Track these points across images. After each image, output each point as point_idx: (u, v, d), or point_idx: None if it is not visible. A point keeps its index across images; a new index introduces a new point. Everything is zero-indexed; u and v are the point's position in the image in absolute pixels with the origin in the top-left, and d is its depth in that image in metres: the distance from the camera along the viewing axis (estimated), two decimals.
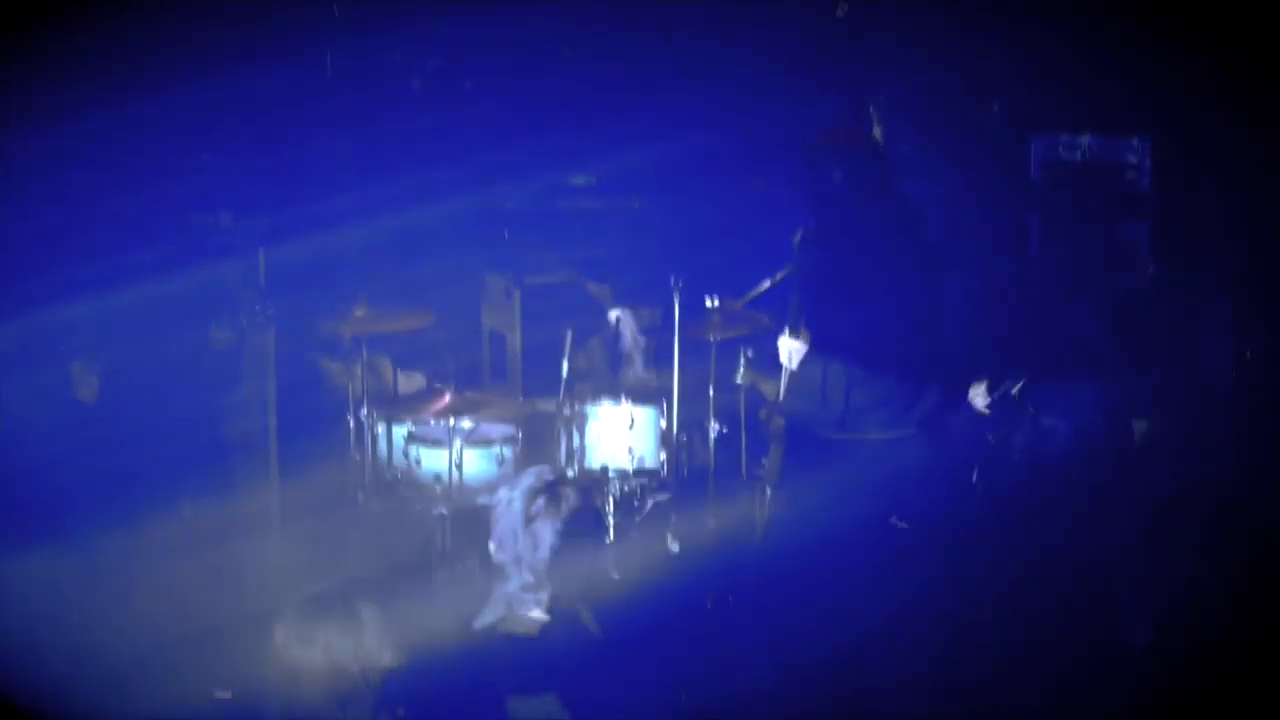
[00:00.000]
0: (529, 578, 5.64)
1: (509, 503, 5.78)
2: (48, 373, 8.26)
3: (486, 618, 5.96)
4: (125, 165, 8.30)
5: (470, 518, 7.93)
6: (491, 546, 5.86)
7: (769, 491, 8.13)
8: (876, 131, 8.65)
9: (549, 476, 5.95)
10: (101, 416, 8.32)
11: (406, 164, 9.20)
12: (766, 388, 8.03)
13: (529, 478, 5.85)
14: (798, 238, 7.00)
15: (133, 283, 8.28)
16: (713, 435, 8.51)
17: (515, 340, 9.61)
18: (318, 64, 8.79)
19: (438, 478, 8.21)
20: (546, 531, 5.73)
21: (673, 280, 8.11)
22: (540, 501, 5.74)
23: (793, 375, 7.08)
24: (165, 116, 8.28)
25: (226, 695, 7.00)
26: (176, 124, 8.38)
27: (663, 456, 8.48)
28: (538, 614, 5.83)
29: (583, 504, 5.93)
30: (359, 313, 8.43)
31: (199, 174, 8.64)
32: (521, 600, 5.76)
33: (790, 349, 6.98)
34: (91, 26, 7.73)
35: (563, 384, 8.39)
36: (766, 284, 7.86)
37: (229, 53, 8.39)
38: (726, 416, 8.62)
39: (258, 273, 8.61)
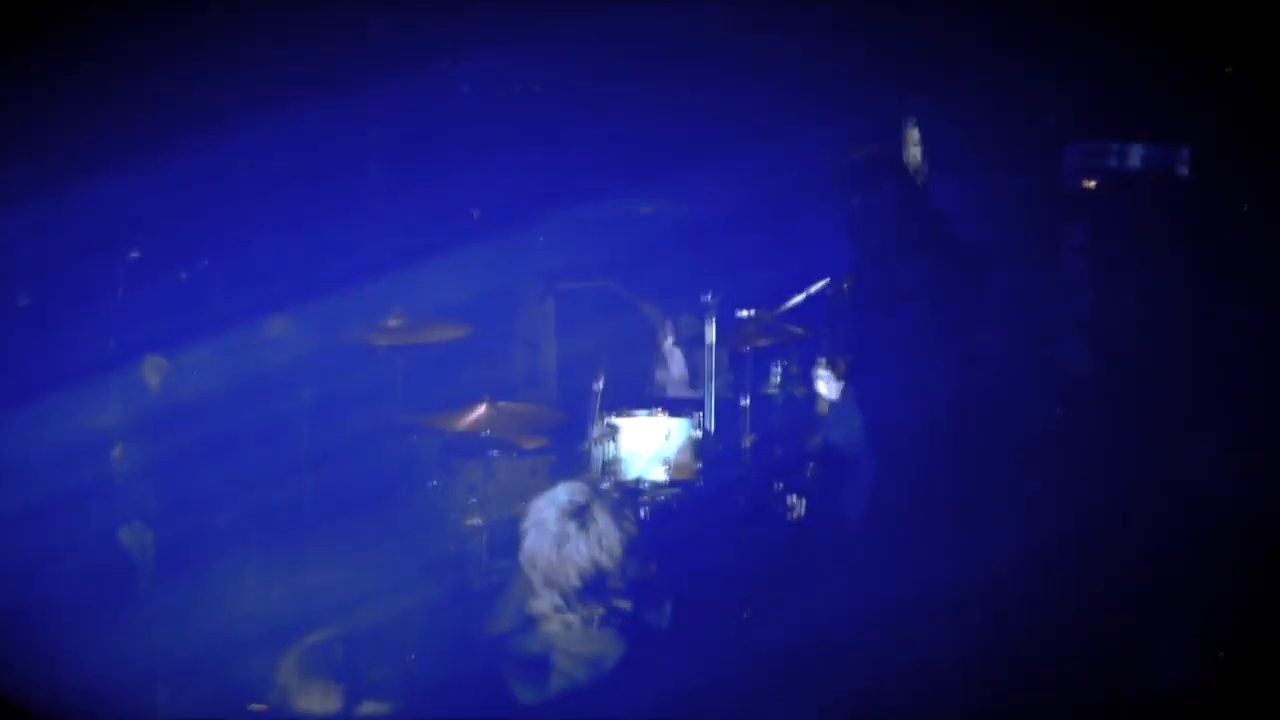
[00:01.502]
0: (559, 601, 5.60)
1: (541, 523, 5.75)
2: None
3: (512, 628, 5.96)
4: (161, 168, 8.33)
5: (506, 529, 7.96)
6: (523, 559, 5.84)
7: (803, 503, 8.17)
8: (913, 150, 8.63)
9: (580, 498, 5.92)
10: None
11: (439, 173, 9.19)
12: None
13: (562, 496, 5.81)
14: (847, 286, 7.01)
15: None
16: (746, 446, 8.52)
17: (550, 348, 9.63)
18: (352, 69, 8.77)
19: (472, 489, 8.23)
20: (578, 554, 5.69)
21: (708, 296, 8.12)
22: (572, 526, 5.70)
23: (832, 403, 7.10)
24: (196, 120, 8.31)
25: (263, 709, 7.03)
26: (215, 129, 8.40)
27: (698, 466, 8.47)
28: (571, 629, 5.81)
29: (613, 525, 5.88)
30: (393, 323, 8.43)
31: (237, 178, 8.65)
32: (550, 619, 5.74)
33: (828, 379, 6.99)
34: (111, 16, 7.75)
35: (597, 396, 8.39)
36: (800, 298, 7.86)
37: (271, 64, 8.41)
38: (760, 427, 8.64)
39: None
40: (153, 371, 8.28)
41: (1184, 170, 8.56)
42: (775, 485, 8.70)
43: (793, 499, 8.47)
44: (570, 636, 5.60)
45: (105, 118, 7.83)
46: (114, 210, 8.08)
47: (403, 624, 7.85)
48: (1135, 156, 8.67)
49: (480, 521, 8.13)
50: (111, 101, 7.82)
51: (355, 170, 8.92)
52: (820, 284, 7.62)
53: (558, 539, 5.70)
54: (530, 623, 5.77)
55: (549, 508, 5.80)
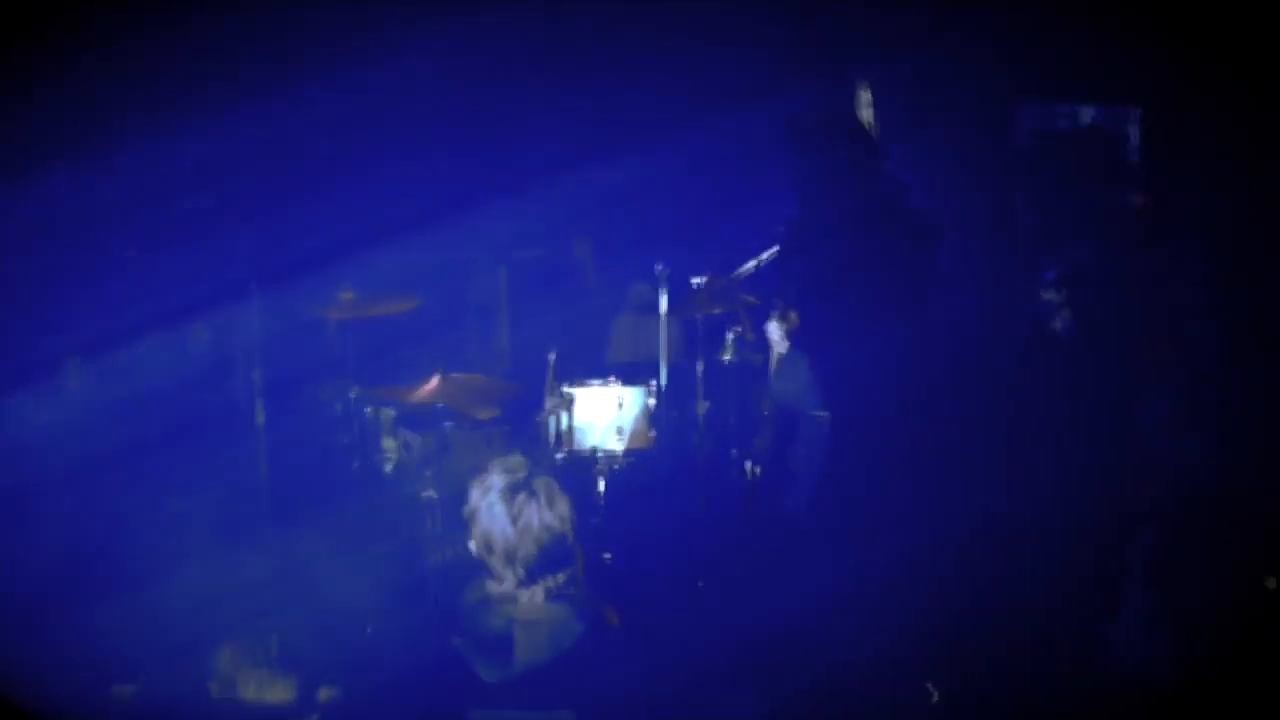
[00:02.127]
0: (521, 573, 5.59)
1: (488, 505, 5.73)
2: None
3: (481, 613, 5.94)
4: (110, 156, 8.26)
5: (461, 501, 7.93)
6: (472, 546, 5.81)
7: (757, 469, 8.17)
8: (864, 112, 8.62)
9: (520, 471, 5.91)
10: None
11: (390, 150, 9.16)
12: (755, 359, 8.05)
13: (499, 476, 5.80)
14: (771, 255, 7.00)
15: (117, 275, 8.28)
16: (700, 413, 8.52)
17: (503, 318, 9.61)
18: (306, 55, 8.71)
19: (427, 460, 8.20)
20: (533, 524, 5.68)
21: (658, 267, 8.09)
22: (521, 496, 5.69)
23: (781, 357, 7.08)
24: (149, 105, 8.24)
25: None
26: (161, 112, 8.34)
27: (652, 434, 8.46)
28: (533, 603, 5.79)
29: (562, 491, 5.88)
30: (346, 296, 8.39)
31: (183, 160, 8.58)
32: (515, 596, 5.73)
33: (778, 331, 6.96)
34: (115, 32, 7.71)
35: (550, 366, 8.37)
36: (752, 265, 7.84)
37: (220, 49, 8.35)
38: (714, 394, 8.63)
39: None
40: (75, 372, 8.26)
41: (1133, 131, 8.59)
42: (731, 452, 8.72)
43: (748, 465, 8.49)
44: (531, 611, 5.60)
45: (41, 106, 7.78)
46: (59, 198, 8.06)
47: (358, 600, 7.85)
48: (1085, 117, 8.70)
49: (435, 494, 8.09)
50: (47, 88, 7.76)
51: (303, 148, 8.84)
52: (771, 252, 7.60)
53: (510, 515, 5.69)
54: (490, 604, 5.77)
55: (490, 490, 5.79)
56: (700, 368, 8.58)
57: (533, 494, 5.73)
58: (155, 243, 8.48)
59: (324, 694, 6.80)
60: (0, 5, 7.33)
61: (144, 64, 8.11)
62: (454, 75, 9.26)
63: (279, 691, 6.31)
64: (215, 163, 8.53)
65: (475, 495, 6.00)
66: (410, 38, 8.98)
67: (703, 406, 8.57)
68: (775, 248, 7.35)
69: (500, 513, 5.55)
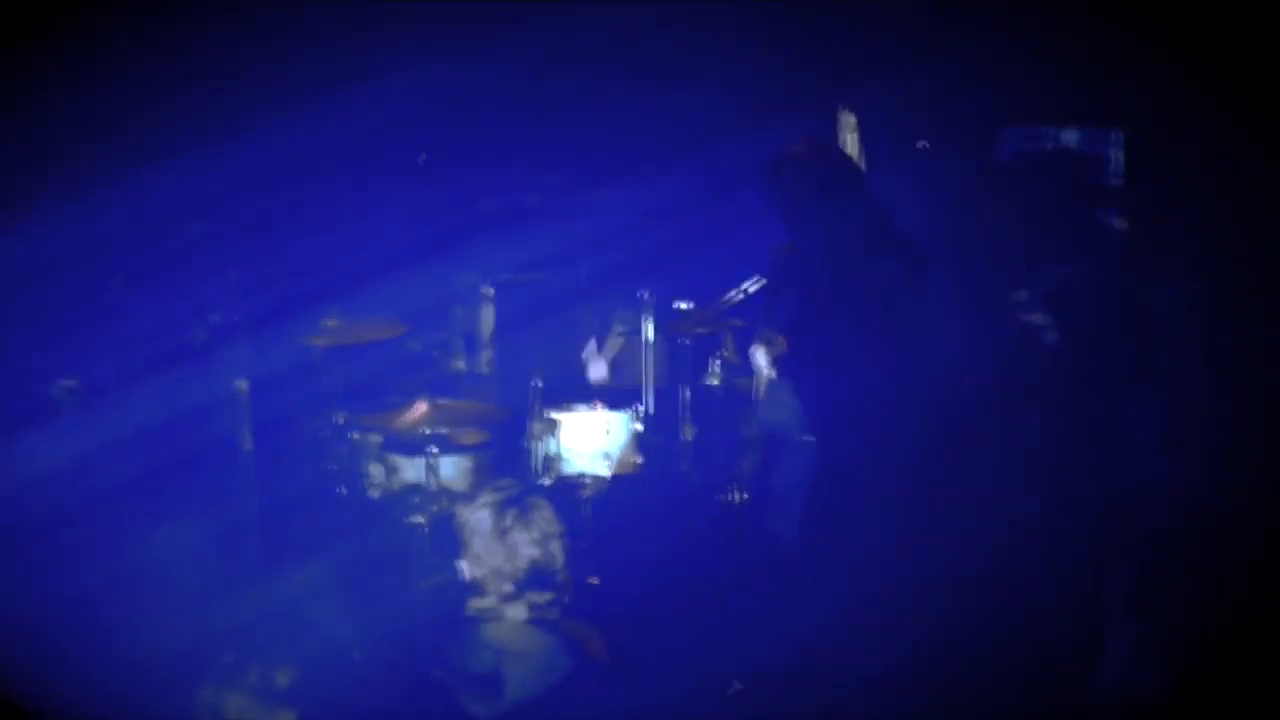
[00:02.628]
0: (508, 589, 5.63)
1: (479, 520, 5.78)
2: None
3: (469, 630, 5.98)
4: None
5: (448, 526, 7.94)
6: (463, 564, 5.85)
7: (744, 494, 8.17)
8: (849, 137, 8.64)
9: (514, 490, 5.96)
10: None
11: (375, 176, 9.18)
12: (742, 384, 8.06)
13: (488, 497, 5.85)
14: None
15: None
16: (687, 438, 8.54)
17: (489, 344, 9.61)
18: (289, 78, 8.72)
19: (415, 486, 8.20)
20: (521, 542, 5.73)
21: (643, 294, 8.11)
22: (513, 513, 5.74)
23: (769, 383, 7.09)
24: (139, 115, 8.25)
25: None
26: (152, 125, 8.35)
27: (639, 460, 8.47)
28: (518, 619, 5.83)
29: (552, 511, 5.92)
30: (331, 323, 8.41)
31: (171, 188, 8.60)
32: (501, 612, 5.77)
33: (764, 357, 6.96)
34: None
35: (536, 392, 8.38)
36: (736, 295, 7.85)
37: (205, 74, 8.37)
38: (700, 419, 8.65)
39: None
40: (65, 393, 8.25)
41: (1117, 152, 8.60)
42: (717, 477, 8.72)
43: (734, 490, 8.49)
44: (518, 640, 5.63)
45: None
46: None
47: (347, 623, 7.85)
48: (1069, 139, 8.71)
49: (422, 520, 8.09)
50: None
51: (290, 173, 8.84)
52: (755, 281, 7.62)
53: (500, 533, 5.74)
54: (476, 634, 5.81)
55: (480, 509, 5.86)
56: (686, 393, 8.60)
57: (522, 512, 5.80)
58: (142, 269, 8.47)
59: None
60: None
61: (124, 92, 8.10)
62: (439, 103, 9.28)
63: None
64: (203, 190, 8.54)
65: (464, 512, 6.06)
66: (395, 63, 9.00)
67: (689, 431, 8.58)
68: (759, 278, 7.37)
69: (488, 529, 5.61)
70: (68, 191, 8.05)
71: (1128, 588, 6.93)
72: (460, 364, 9.52)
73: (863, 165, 8.62)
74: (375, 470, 8.46)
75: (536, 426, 8.37)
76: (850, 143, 8.85)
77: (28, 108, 7.68)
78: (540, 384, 8.41)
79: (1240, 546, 6.81)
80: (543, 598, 5.66)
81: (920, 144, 8.41)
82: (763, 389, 7.29)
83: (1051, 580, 6.89)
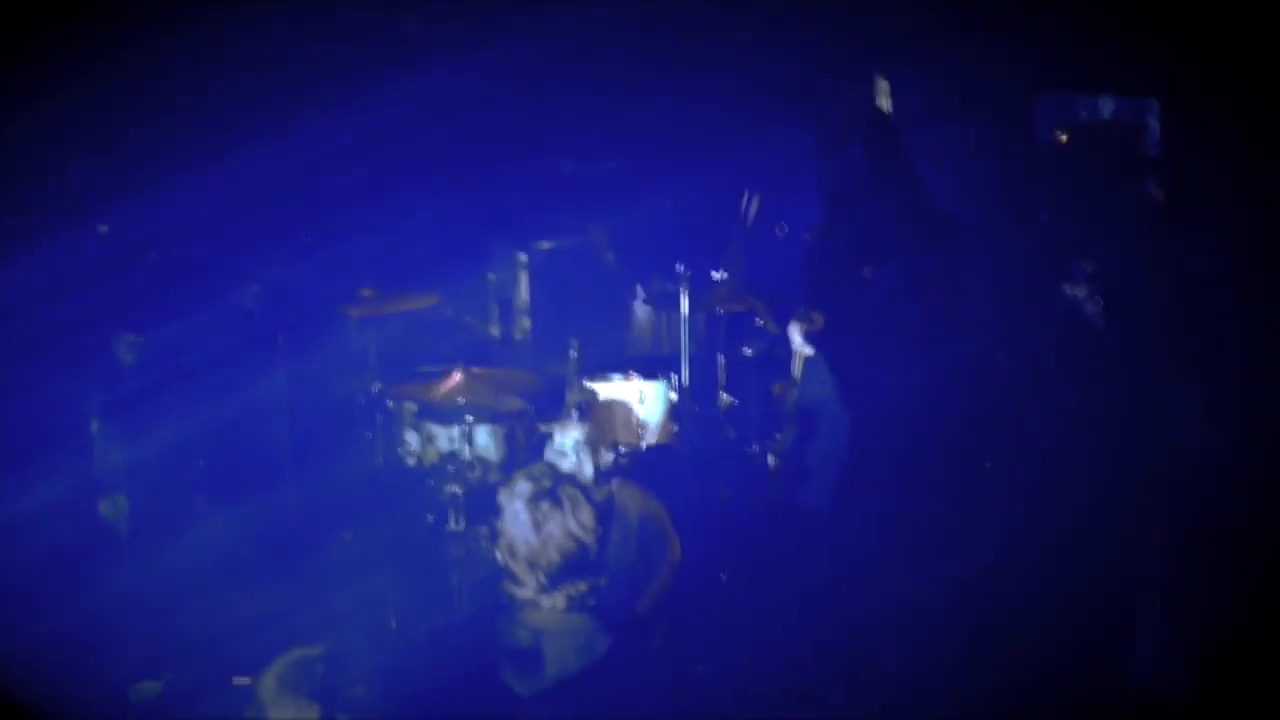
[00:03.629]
0: (544, 580, 5.64)
1: (513, 512, 5.78)
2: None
3: (507, 625, 5.99)
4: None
5: (484, 496, 7.97)
6: (499, 555, 5.86)
7: (778, 463, 8.19)
8: (885, 103, 8.61)
9: (545, 481, 5.95)
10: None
11: (412, 146, 9.18)
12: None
13: (524, 483, 5.85)
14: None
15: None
16: (723, 407, 8.54)
17: (524, 310, 9.62)
18: (325, 54, 8.72)
19: (451, 455, 8.23)
20: (557, 534, 5.73)
21: (680, 268, 8.10)
22: (547, 504, 5.73)
23: (807, 358, 7.09)
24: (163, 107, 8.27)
25: (245, 681, 7.06)
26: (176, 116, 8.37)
27: (675, 429, 8.48)
28: (555, 609, 5.83)
29: (587, 500, 5.91)
30: (367, 293, 8.43)
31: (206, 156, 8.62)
32: (537, 602, 5.77)
33: (802, 334, 6.97)
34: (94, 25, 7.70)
35: (572, 360, 8.38)
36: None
37: (235, 48, 8.37)
38: (736, 388, 8.66)
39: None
40: (126, 350, 8.26)
41: (1153, 122, 8.57)
42: (752, 447, 8.73)
43: (771, 459, 8.50)
44: (556, 622, 5.63)
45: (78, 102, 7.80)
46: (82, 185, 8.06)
47: (382, 594, 7.91)
48: (1105, 109, 8.68)
49: (459, 489, 8.12)
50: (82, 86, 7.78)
51: (326, 144, 8.85)
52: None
53: (535, 522, 5.74)
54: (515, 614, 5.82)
55: (516, 497, 5.85)
56: (722, 361, 8.61)
57: (557, 502, 5.78)
58: (180, 232, 8.49)
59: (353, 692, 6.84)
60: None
61: (156, 57, 8.11)
62: (478, 75, 9.27)
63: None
64: (238, 161, 8.55)
65: (502, 500, 6.06)
66: (432, 39, 9.01)
67: (725, 401, 8.59)
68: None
69: (525, 520, 5.61)
70: (100, 167, 8.06)
71: (1160, 584, 6.95)
72: (495, 331, 9.53)
73: (899, 135, 8.62)
74: (411, 439, 8.49)
75: (572, 395, 8.38)
76: (886, 106, 8.83)
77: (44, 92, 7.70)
78: (576, 352, 8.42)
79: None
80: (578, 582, 5.65)
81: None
82: (800, 364, 7.29)
83: (1081, 569, 6.90)
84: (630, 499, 6.97)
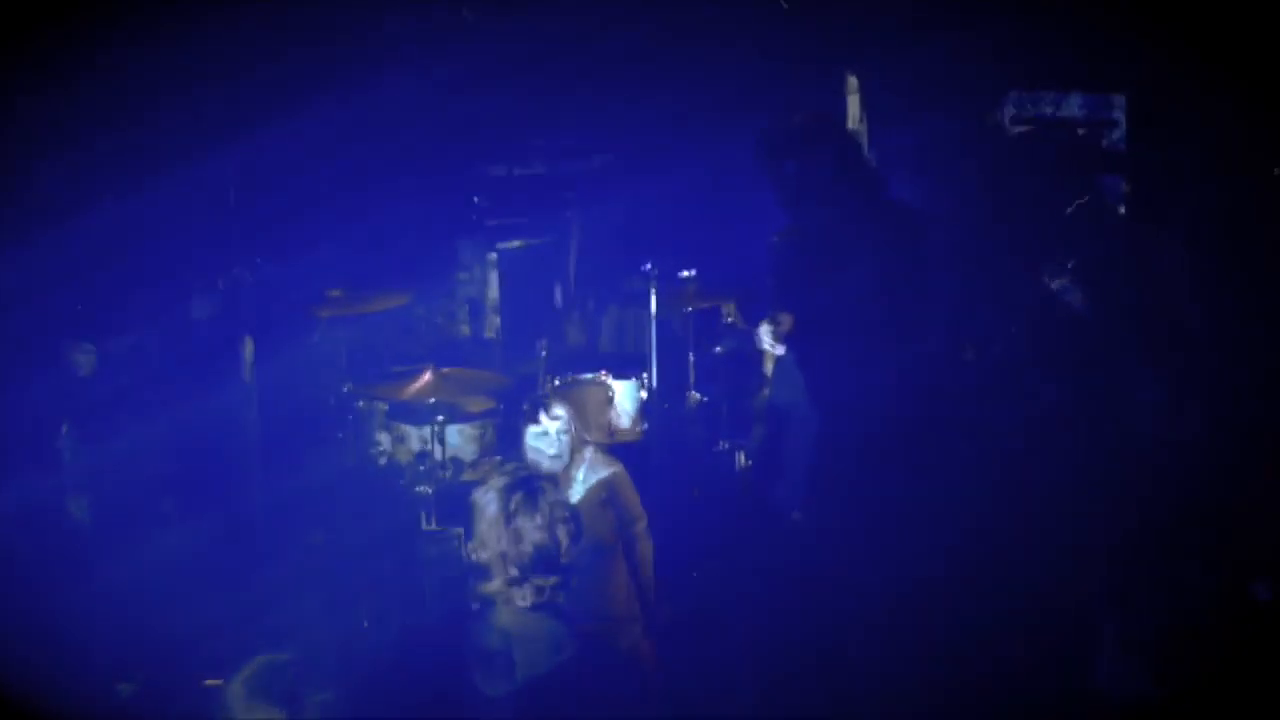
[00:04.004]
0: (514, 572, 5.67)
1: (486, 504, 5.81)
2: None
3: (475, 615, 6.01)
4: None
5: (454, 496, 7.98)
6: (470, 547, 5.89)
7: (748, 460, 8.21)
8: (851, 100, 8.64)
9: (524, 472, 5.98)
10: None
11: (378, 146, 9.19)
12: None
13: (498, 480, 5.88)
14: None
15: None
16: (692, 405, 8.57)
17: (493, 309, 9.64)
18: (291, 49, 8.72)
19: (422, 454, 8.24)
20: (528, 527, 5.75)
21: (649, 265, 8.13)
22: (518, 497, 5.76)
23: (778, 359, 7.10)
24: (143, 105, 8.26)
25: (216, 683, 7.07)
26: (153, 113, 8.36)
27: (642, 427, 8.50)
28: (524, 604, 5.86)
29: (556, 494, 5.94)
30: (335, 294, 8.44)
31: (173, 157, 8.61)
32: (507, 596, 5.80)
33: (771, 335, 6.97)
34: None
35: (541, 359, 8.40)
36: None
37: (204, 45, 8.36)
38: (705, 386, 8.69)
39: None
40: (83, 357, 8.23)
41: (1120, 118, 8.60)
42: (721, 444, 8.76)
43: (741, 457, 8.53)
44: (525, 624, 5.66)
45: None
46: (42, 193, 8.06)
47: (353, 594, 7.92)
48: (1073, 105, 8.71)
49: (429, 489, 8.14)
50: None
51: (293, 144, 8.85)
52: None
53: (507, 516, 5.77)
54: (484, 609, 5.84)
55: (489, 492, 5.89)
56: (691, 359, 8.64)
57: (530, 496, 5.82)
58: (148, 241, 8.48)
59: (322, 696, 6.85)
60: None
61: (122, 57, 8.09)
62: (446, 75, 9.28)
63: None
64: (205, 160, 8.55)
65: (475, 495, 6.10)
66: (399, 33, 9.00)
67: (694, 398, 8.62)
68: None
69: (495, 513, 5.65)
70: (65, 167, 8.06)
71: (1120, 582, 6.97)
72: (465, 330, 9.54)
73: (864, 133, 8.64)
74: (382, 439, 8.51)
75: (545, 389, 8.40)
76: (852, 111, 8.85)
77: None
78: (545, 351, 8.44)
79: (1238, 540, 6.84)
80: (548, 576, 5.68)
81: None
82: (770, 363, 7.31)
83: (1044, 569, 6.93)
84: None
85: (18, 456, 7.84)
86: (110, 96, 8.02)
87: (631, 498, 7.05)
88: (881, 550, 6.61)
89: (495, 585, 5.77)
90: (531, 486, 5.88)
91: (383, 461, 8.49)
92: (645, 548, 7.01)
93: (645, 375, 8.46)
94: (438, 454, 8.17)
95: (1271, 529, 6.77)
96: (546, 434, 6.98)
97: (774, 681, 6.84)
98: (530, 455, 6.98)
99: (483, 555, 5.82)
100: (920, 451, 6.70)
